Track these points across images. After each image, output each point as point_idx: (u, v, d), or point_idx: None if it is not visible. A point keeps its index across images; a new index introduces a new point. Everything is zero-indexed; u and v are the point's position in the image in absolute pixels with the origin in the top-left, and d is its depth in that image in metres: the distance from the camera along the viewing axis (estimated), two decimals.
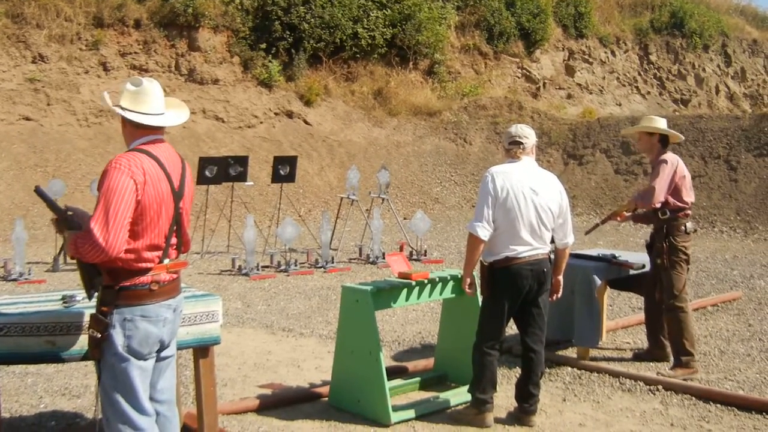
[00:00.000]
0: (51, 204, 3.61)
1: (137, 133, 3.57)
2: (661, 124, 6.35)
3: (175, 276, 3.65)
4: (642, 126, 6.40)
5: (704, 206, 15.57)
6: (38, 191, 3.68)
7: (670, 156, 6.22)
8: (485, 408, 5.03)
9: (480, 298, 5.21)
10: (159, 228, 3.50)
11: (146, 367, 3.54)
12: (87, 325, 3.58)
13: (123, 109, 3.53)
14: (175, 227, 3.60)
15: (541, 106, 22.53)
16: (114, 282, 3.46)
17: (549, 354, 6.58)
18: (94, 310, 3.95)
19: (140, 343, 3.48)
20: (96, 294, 3.48)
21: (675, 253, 6.09)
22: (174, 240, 3.62)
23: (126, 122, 3.58)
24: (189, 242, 3.78)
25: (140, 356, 3.49)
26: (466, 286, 5.17)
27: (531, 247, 4.95)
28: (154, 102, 3.57)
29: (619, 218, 6.61)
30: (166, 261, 3.58)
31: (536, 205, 4.95)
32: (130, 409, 3.48)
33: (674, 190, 6.13)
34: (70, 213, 3.57)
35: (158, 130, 3.61)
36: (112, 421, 3.50)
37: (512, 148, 5.10)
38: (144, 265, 3.48)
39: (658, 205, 6.11)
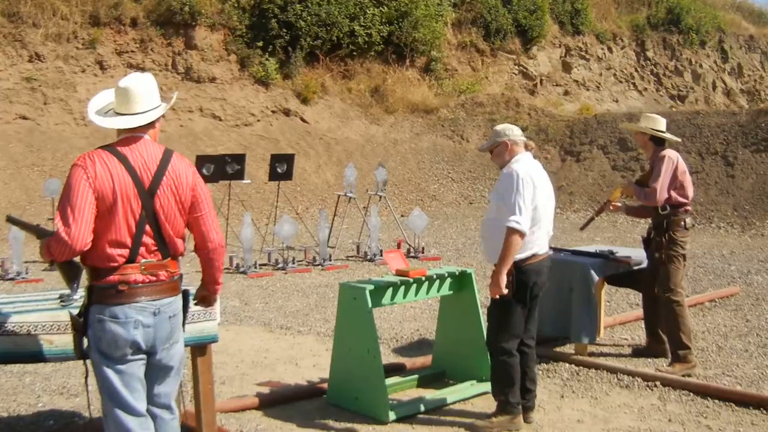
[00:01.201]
0: (23, 225, 3.83)
1: (118, 131, 3.58)
2: (660, 122, 6.35)
3: (154, 278, 3.51)
4: (635, 126, 6.45)
5: (701, 202, 15.59)
6: (9, 219, 3.94)
7: (670, 152, 6.23)
8: (518, 411, 4.96)
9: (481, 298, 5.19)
10: (117, 225, 3.40)
11: (124, 370, 3.46)
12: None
13: (96, 114, 3.60)
14: (147, 227, 3.48)
15: (538, 103, 22.53)
16: (90, 281, 3.46)
17: (547, 350, 6.61)
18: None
19: (108, 345, 3.42)
20: (77, 286, 3.53)
21: (673, 248, 6.11)
22: (149, 240, 3.49)
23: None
24: (176, 245, 3.59)
25: (111, 358, 3.44)
26: (503, 287, 4.74)
27: (547, 244, 5.02)
28: (132, 102, 3.53)
29: (612, 207, 6.61)
30: (143, 261, 3.47)
31: (551, 202, 5.01)
32: (116, 408, 3.46)
33: (678, 186, 6.14)
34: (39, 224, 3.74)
35: (134, 129, 3.55)
36: (105, 419, 3.52)
37: (523, 141, 5.07)
38: (108, 263, 3.42)
39: (661, 203, 6.12)
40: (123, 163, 3.44)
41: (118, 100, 3.56)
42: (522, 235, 4.72)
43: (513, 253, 4.73)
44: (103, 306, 3.41)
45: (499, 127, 5.18)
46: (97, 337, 3.43)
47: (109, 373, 3.45)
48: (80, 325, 3.46)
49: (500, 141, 5.05)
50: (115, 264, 3.42)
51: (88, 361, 3.57)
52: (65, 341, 3.89)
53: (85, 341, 3.50)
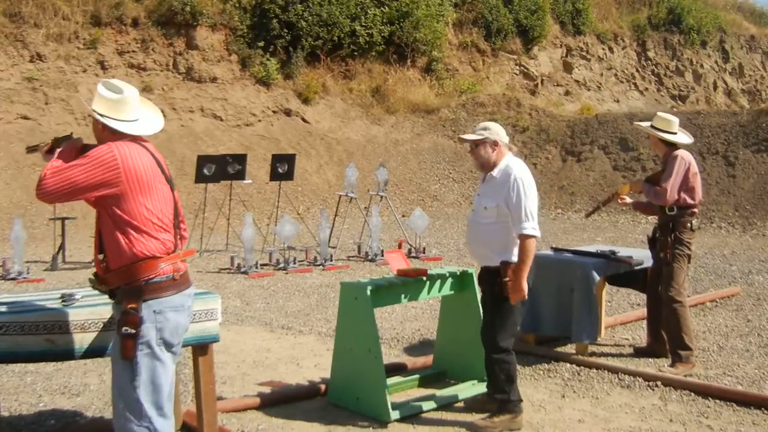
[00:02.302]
0: (40, 147, 3.87)
1: (114, 138, 3.54)
2: (672, 124, 6.30)
3: (187, 265, 3.70)
4: (646, 128, 6.42)
5: (702, 202, 15.53)
6: (29, 149, 4.07)
7: (683, 153, 6.21)
8: (519, 409, 4.99)
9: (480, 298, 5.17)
10: (165, 213, 3.54)
11: (174, 360, 3.58)
12: (118, 324, 3.47)
13: (110, 119, 3.52)
14: (179, 215, 3.67)
15: (539, 103, 22.52)
16: (137, 277, 3.46)
17: (548, 350, 6.62)
18: (93, 309, 3.96)
19: (171, 334, 3.52)
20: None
21: (679, 248, 6.11)
22: (178, 228, 3.66)
23: (105, 128, 3.55)
24: (186, 232, 3.79)
25: (171, 347, 3.54)
26: (526, 292, 4.81)
27: None
28: (133, 110, 3.59)
29: (619, 200, 6.61)
30: (179, 250, 3.62)
31: None
32: (151, 409, 3.46)
33: (689, 188, 6.13)
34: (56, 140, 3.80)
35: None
36: (129, 422, 3.46)
37: (508, 144, 5.06)
38: (164, 251, 3.50)
39: (671, 203, 6.12)
40: (152, 156, 3.57)
41: (120, 107, 3.55)
42: (536, 239, 4.78)
43: (531, 258, 4.78)
44: (161, 298, 3.49)
45: (489, 124, 5.10)
46: (158, 329, 3.47)
47: (159, 367, 3.48)
48: (139, 321, 3.43)
49: (492, 138, 4.96)
50: (170, 250, 3.54)
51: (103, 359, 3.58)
52: (67, 341, 3.90)
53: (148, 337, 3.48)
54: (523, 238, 4.75)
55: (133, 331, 3.42)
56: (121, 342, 3.43)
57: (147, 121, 3.68)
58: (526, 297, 4.83)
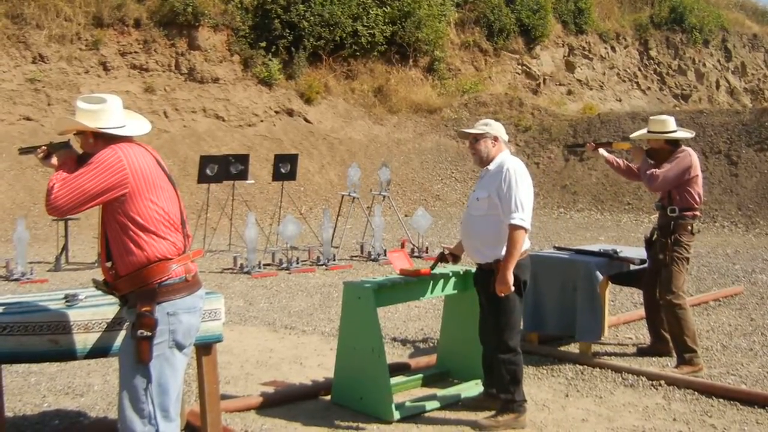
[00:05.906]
0: (35, 149, 3.79)
1: (107, 145, 3.49)
2: (669, 123, 6.33)
3: (197, 266, 3.68)
4: (643, 134, 6.46)
5: (705, 201, 15.56)
6: (21, 150, 4.03)
7: (691, 152, 6.23)
8: (523, 409, 4.98)
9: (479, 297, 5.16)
10: (173, 212, 3.53)
11: (184, 362, 3.57)
12: (133, 327, 3.43)
13: (100, 128, 3.50)
14: (184, 215, 3.65)
15: (541, 103, 22.52)
16: (149, 280, 3.44)
17: (551, 350, 6.62)
18: (96, 309, 3.96)
19: (184, 336, 3.52)
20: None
21: (678, 251, 6.08)
22: (185, 228, 3.65)
23: (97, 139, 3.52)
24: (189, 229, 3.79)
25: (182, 348, 3.53)
26: (512, 286, 4.76)
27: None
28: (119, 117, 3.57)
29: (590, 147, 6.80)
30: (188, 251, 3.61)
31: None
32: (157, 411, 3.45)
33: (692, 187, 6.13)
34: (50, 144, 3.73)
35: (129, 139, 3.59)
36: (134, 424, 3.44)
37: (506, 141, 5.08)
38: (175, 252, 3.50)
39: (655, 191, 6.15)
40: (152, 156, 3.57)
41: (104, 115, 3.54)
42: (526, 231, 4.76)
43: (520, 250, 4.75)
44: (174, 300, 3.47)
45: (490, 120, 5.16)
46: (171, 330, 3.47)
47: (168, 370, 3.46)
48: (155, 324, 3.41)
49: (492, 134, 5.00)
50: (180, 251, 3.53)
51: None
52: (71, 341, 3.90)
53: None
54: (512, 228, 4.72)
55: (149, 333, 3.39)
56: (136, 345, 3.40)
57: (135, 124, 3.66)
58: (512, 290, 4.77)
